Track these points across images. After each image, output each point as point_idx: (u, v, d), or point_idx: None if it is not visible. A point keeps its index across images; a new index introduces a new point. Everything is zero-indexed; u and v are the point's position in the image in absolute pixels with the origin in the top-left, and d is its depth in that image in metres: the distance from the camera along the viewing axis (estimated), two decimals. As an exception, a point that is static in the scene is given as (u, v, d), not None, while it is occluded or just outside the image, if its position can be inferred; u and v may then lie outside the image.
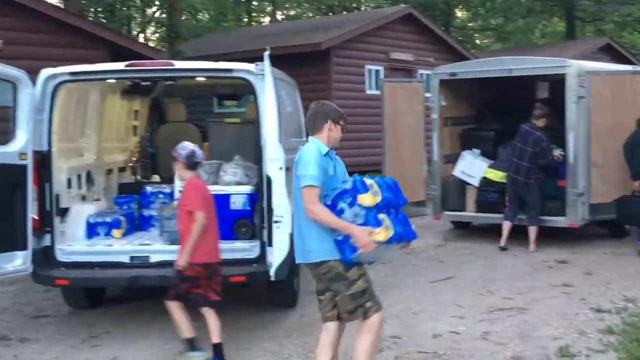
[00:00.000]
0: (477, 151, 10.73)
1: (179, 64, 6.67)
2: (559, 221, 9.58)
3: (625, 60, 25.63)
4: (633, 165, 9.09)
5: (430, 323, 6.53)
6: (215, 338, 5.50)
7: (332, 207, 4.35)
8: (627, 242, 9.81)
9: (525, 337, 6.09)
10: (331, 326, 4.60)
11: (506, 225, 9.65)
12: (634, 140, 9.08)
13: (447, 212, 10.56)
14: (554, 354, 5.61)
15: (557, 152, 9.64)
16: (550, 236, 9.77)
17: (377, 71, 19.39)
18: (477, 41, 47.56)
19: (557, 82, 9.74)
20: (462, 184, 10.65)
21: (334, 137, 4.57)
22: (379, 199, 4.39)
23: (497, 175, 10.26)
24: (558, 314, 6.70)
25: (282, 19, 41.24)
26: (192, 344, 5.57)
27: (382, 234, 4.31)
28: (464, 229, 11.25)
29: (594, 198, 9.56)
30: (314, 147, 4.45)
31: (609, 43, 28.33)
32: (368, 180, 4.48)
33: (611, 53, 27.48)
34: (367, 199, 4.37)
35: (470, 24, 43.75)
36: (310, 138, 4.60)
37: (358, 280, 4.46)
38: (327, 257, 4.41)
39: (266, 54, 6.02)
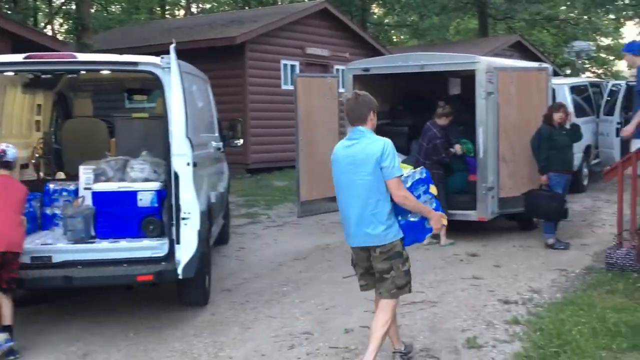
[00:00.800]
0: (391, 146, 10.76)
1: (81, 57, 6.44)
2: (470, 215, 9.70)
3: (534, 57, 26.43)
4: (540, 160, 9.30)
5: (342, 318, 6.53)
6: (6, 321, 5.66)
7: (412, 191, 4.97)
8: (534, 235, 10.02)
9: (435, 329, 6.15)
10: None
11: None
12: (540, 135, 9.30)
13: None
14: (462, 345, 5.69)
15: (457, 147, 9.72)
16: (462, 230, 9.88)
17: (292, 66, 19.38)
18: (394, 37, 48.22)
19: (469, 78, 9.87)
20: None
21: (373, 125, 4.98)
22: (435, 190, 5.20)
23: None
24: (467, 306, 6.80)
25: (197, 12, 40.71)
26: None
27: (445, 219, 5.16)
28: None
29: (503, 192, 9.72)
30: (387, 140, 4.88)
31: (519, 40, 29.25)
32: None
33: (522, 50, 28.44)
34: (434, 189, 5.17)
35: (386, 20, 44.28)
36: (358, 128, 4.93)
37: (409, 259, 5.07)
38: (394, 238, 4.94)
39: (172, 47, 5.91)
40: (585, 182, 14.38)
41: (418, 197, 4.99)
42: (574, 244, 9.58)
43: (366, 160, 4.83)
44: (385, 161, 4.80)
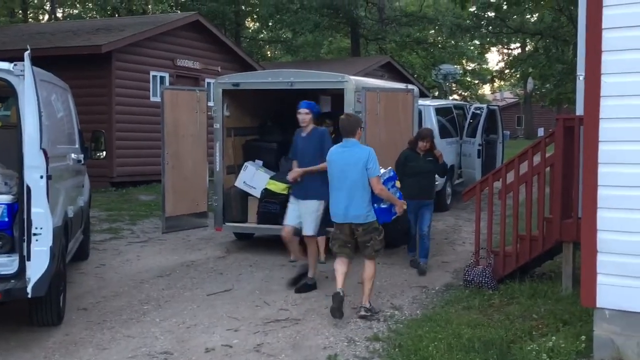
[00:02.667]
0: (260, 162, 10.75)
1: None
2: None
3: (404, 79, 27.27)
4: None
5: (203, 337, 6.39)
6: None
7: (385, 185, 7.04)
8: (397, 253, 10.15)
9: (298, 347, 6.13)
10: (346, 259, 7.20)
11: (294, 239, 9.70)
12: (397, 160, 9.34)
13: (228, 224, 10.44)
14: (323, 363, 5.68)
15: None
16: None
17: (162, 78, 19.00)
18: (268, 53, 48.45)
19: (339, 97, 10.00)
20: (244, 195, 10.62)
21: (359, 137, 7.14)
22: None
23: (278, 187, 10.32)
24: (330, 323, 6.82)
25: (62, 17, 39.22)
26: None
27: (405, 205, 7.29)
28: (246, 241, 11.21)
29: None
30: (371, 149, 7.02)
31: (389, 61, 30.06)
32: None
33: (392, 71, 29.23)
34: (398, 183, 7.38)
35: (260, 35, 44.41)
36: (349, 140, 7.03)
37: (383, 231, 7.13)
38: (372, 218, 6.98)
39: (26, 53, 5.63)
40: (449, 201, 14.95)
41: (388, 189, 7.04)
42: (436, 261, 9.81)
43: (356, 162, 6.86)
44: (369, 164, 6.84)
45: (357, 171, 6.86)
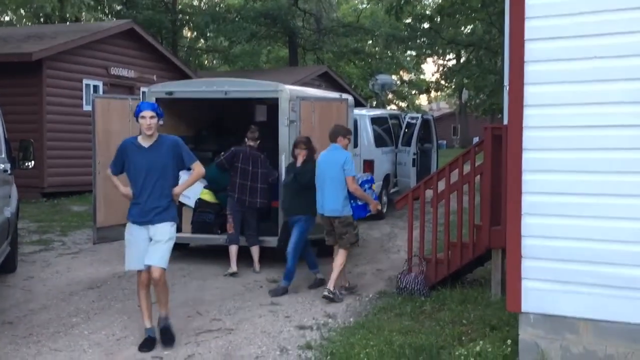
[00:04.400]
0: (194, 172, 10.62)
1: None
2: (271, 241, 9.73)
3: (342, 88, 27.39)
4: None
5: (133, 349, 6.29)
6: None
7: (361, 186, 8.29)
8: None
9: (229, 357, 6.10)
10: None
11: (233, 249, 9.61)
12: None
13: (162, 233, 10.26)
14: (254, 373, 5.64)
15: None
16: (265, 256, 9.86)
17: (96, 86, 18.67)
18: (206, 62, 48.13)
19: (274, 106, 10.01)
20: (179, 205, 10.44)
21: (343, 143, 8.32)
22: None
23: (213, 197, 10.28)
24: (263, 332, 6.81)
25: (-6, 25, 38.16)
26: None
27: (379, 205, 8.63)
28: (180, 251, 11.02)
29: None
30: (349, 153, 8.38)
31: (327, 71, 30.23)
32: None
33: (329, 81, 29.40)
34: (374, 187, 8.64)
35: (198, 45, 44.10)
36: (333, 145, 8.28)
37: (357, 226, 8.39)
38: (348, 213, 8.17)
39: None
40: (385, 210, 15.06)
41: (365, 190, 8.24)
42: (370, 269, 9.91)
43: (335, 163, 8.07)
44: (346, 165, 8.05)
45: (335, 171, 8.05)
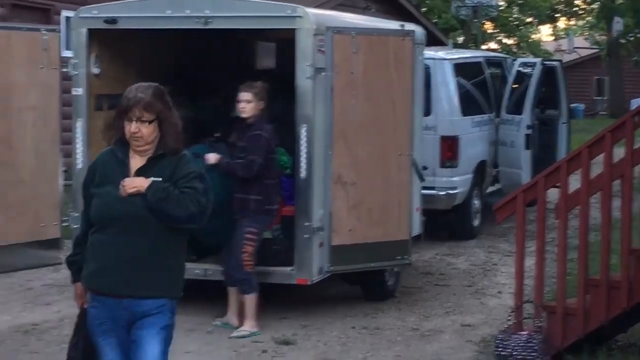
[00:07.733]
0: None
1: None
2: (284, 274, 7.23)
3: (403, 14, 19.31)
4: None
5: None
6: None
7: None
8: (386, 309, 7.73)
9: None
10: None
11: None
12: None
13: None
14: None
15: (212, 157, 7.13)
16: (270, 300, 7.57)
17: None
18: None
19: (288, 43, 7.55)
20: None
21: None
22: None
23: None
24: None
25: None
26: None
27: None
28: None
29: (338, 236, 7.20)
30: None
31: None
32: None
33: (385, 2, 21.85)
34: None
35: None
36: None
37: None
38: None
39: None
40: (476, 223, 11.04)
41: None
42: (452, 323, 7.56)
43: None
44: None
45: None
